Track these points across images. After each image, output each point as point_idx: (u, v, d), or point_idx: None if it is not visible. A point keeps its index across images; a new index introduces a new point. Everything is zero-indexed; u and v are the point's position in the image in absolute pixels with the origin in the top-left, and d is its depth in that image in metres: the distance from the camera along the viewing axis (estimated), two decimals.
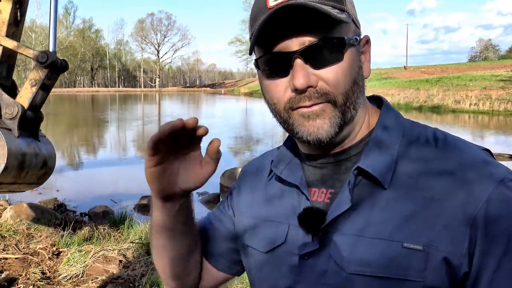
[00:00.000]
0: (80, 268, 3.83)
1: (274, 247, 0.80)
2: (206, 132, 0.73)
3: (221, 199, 7.89)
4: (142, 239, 4.80)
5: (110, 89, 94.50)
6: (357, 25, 0.76)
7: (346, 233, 0.71)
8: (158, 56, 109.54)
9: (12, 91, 2.41)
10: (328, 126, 0.71)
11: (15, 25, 2.47)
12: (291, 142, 0.87)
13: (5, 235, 4.82)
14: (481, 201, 0.64)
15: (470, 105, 29.07)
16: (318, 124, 0.71)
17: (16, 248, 4.32)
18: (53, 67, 2.34)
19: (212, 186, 8.38)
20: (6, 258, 4.03)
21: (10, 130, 2.25)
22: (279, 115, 0.76)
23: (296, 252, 0.75)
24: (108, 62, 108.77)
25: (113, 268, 3.91)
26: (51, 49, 2.40)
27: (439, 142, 0.73)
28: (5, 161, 2.15)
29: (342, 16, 0.69)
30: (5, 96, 2.33)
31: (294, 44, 0.69)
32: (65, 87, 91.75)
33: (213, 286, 0.98)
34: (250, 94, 62.60)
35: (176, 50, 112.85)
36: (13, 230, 5.15)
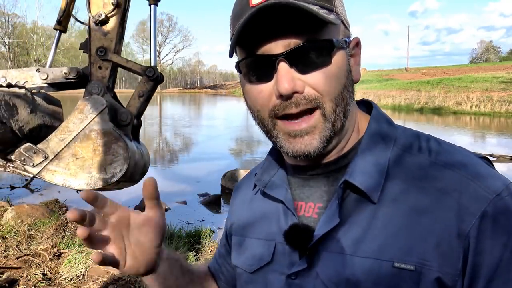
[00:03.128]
0: (81, 269, 3.83)
1: (261, 266, 0.75)
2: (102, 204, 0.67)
3: (222, 201, 7.89)
4: None
5: None
6: (346, 26, 0.71)
7: (334, 251, 0.66)
8: (159, 58, 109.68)
9: (115, 100, 2.81)
10: (317, 142, 0.66)
11: (119, 43, 2.82)
12: (277, 151, 0.82)
13: (6, 236, 4.82)
14: (475, 216, 0.60)
15: (471, 107, 29.03)
16: (306, 141, 0.66)
17: (17, 249, 4.32)
18: (156, 80, 2.70)
19: (214, 187, 8.39)
20: (7, 264, 4.03)
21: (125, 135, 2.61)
22: (262, 124, 0.70)
23: (283, 272, 0.71)
24: None
25: (114, 269, 3.90)
26: (152, 64, 2.78)
27: (432, 152, 0.68)
28: (129, 162, 2.50)
29: (331, 17, 0.64)
30: (119, 105, 2.70)
31: (279, 46, 0.64)
32: None
33: None
34: None
35: (177, 51, 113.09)
36: (14, 231, 5.16)
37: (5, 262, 3.95)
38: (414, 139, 0.71)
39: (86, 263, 3.92)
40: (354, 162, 0.69)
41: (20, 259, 4.04)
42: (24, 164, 2.50)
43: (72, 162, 2.52)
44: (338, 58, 0.67)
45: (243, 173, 8.51)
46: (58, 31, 2.95)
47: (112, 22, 2.72)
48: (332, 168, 0.73)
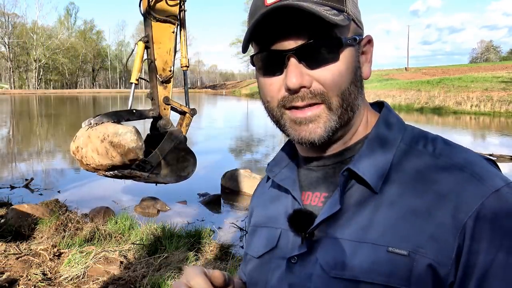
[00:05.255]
0: (81, 269, 3.83)
1: (266, 251, 0.80)
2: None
3: (222, 201, 7.89)
4: (143, 240, 4.80)
5: (112, 90, 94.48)
6: (358, 24, 0.74)
7: (333, 236, 0.69)
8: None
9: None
10: (321, 131, 0.70)
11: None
12: (290, 145, 0.86)
13: (7, 236, 4.83)
14: (472, 209, 0.62)
15: (471, 107, 29.02)
16: (311, 128, 0.70)
17: (17, 249, 4.32)
18: (194, 115, 4.66)
19: (213, 187, 8.39)
20: (7, 264, 4.03)
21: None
22: (271, 114, 0.75)
23: (285, 256, 0.75)
24: (109, 63, 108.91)
25: (114, 269, 3.91)
26: (186, 103, 4.70)
27: (437, 148, 0.71)
28: (196, 164, 4.46)
29: (339, 18, 0.67)
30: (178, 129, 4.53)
31: (290, 43, 0.69)
32: (67, 88, 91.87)
33: None
34: (251, 96, 62.58)
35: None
36: (15, 231, 5.16)
37: (5, 262, 3.95)
38: (420, 138, 0.74)
39: (86, 263, 3.92)
40: (359, 154, 0.73)
41: (20, 259, 4.04)
42: (140, 171, 3.97)
43: (166, 168, 4.23)
44: (346, 55, 0.70)
45: (243, 173, 8.51)
46: (133, 84, 4.50)
47: (170, 81, 4.54)
48: (338, 160, 0.76)
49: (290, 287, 0.73)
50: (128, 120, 4.25)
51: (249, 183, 8.20)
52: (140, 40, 4.58)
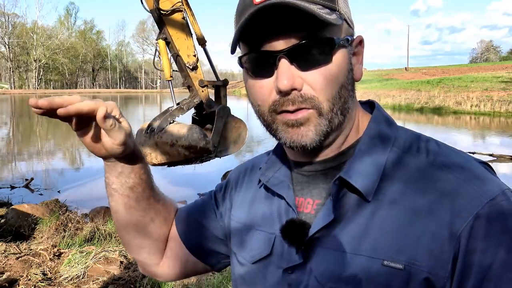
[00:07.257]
0: (81, 269, 3.83)
1: (261, 258, 0.78)
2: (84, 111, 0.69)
3: None
4: None
5: (112, 90, 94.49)
6: (350, 25, 0.71)
7: (328, 247, 0.68)
8: (160, 58, 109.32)
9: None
10: (313, 134, 0.67)
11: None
12: (281, 148, 0.83)
13: (7, 236, 4.83)
14: (467, 219, 0.60)
15: (471, 107, 29.02)
16: (302, 131, 0.67)
17: (17, 249, 4.32)
18: (226, 85, 5.21)
19: (213, 187, 8.36)
20: (7, 264, 4.03)
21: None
22: (262, 118, 0.71)
23: (281, 266, 0.73)
24: (109, 63, 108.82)
25: (114, 269, 3.90)
26: (216, 79, 5.24)
27: (430, 154, 0.68)
28: (247, 131, 5.17)
29: (332, 17, 0.65)
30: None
31: (280, 43, 0.65)
32: (67, 88, 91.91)
33: (180, 268, 0.95)
34: None
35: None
36: (15, 231, 5.16)
37: (5, 262, 3.95)
38: (413, 141, 0.71)
39: (86, 263, 3.92)
40: (351, 160, 0.70)
41: (20, 259, 4.04)
42: (208, 155, 4.70)
43: (224, 142, 4.85)
44: (339, 56, 0.67)
45: None
46: (170, 81, 4.93)
47: (197, 66, 4.93)
48: (330, 165, 0.73)
49: None
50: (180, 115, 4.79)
51: None
52: (158, 38, 4.83)
